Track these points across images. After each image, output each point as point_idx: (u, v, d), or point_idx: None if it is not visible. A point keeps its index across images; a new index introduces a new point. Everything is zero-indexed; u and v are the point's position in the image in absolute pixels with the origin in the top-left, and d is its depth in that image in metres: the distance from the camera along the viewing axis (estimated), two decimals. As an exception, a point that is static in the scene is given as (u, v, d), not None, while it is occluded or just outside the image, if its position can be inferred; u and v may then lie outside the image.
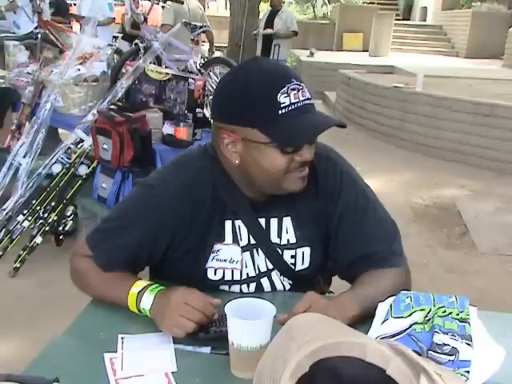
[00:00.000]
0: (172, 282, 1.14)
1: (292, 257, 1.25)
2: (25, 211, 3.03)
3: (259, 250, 1.23)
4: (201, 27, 4.40)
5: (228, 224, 1.21)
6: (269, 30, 7.34)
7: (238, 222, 1.21)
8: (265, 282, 1.26)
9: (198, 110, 2.85)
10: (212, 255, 1.21)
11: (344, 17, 14.40)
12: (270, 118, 1.05)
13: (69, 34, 5.02)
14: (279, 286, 1.27)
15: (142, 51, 3.71)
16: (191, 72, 3.86)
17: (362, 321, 1.08)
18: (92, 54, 3.37)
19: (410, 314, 1.04)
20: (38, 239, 2.96)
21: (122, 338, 1.05)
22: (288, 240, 1.24)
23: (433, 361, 0.92)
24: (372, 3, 16.48)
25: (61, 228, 3.10)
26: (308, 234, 1.24)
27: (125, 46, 5.56)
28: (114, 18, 6.69)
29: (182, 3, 5.06)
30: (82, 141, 3.01)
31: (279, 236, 1.23)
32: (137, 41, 4.08)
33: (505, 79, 8.40)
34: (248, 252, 1.23)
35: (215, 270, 1.22)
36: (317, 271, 1.30)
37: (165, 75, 3.00)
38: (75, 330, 1.11)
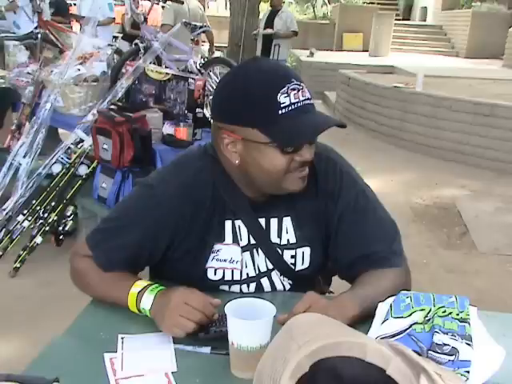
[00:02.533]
0: (172, 281, 1.14)
1: (292, 257, 1.25)
2: (25, 211, 3.03)
3: (259, 250, 1.23)
4: (201, 27, 4.40)
5: (228, 224, 1.21)
6: (269, 30, 7.35)
7: (238, 222, 1.21)
8: (265, 282, 1.26)
9: (198, 109, 2.85)
10: (212, 255, 1.21)
11: (344, 17, 14.40)
12: (270, 118, 1.05)
13: (69, 34, 5.02)
14: (279, 286, 1.27)
15: (142, 51, 3.71)
16: (191, 72, 3.86)
17: (362, 321, 1.08)
18: (92, 54, 3.37)
19: (410, 314, 1.04)
20: (38, 239, 2.96)
21: (122, 338, 1.05)
22: (288, 240, 1.24)
23: (433, 361, 0.92)
24: (372, 3, 16.48)
25: (61, 228, 3.10)
26: (308, 233, 1.24)
27: (125, 46, 5.56)
28: (114, 18, 6.69)
29: (182, 3, 5.06)
30: (82, 141, 3.01)
31: (279, 236, 1.23)
32: (137, 41, 4.08)
33: (505, 79, 8.40)
34: (248, 252, 1.23)
35: (215, 270, 1.22)
36: (317, 271, 1.30)
37: (165, 75, 3.00)
38: (75, 330, 1.11)
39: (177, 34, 4.13)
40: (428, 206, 4.39)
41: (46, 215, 3.01)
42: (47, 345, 1.04)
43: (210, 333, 1.04)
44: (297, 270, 1.26)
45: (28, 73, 3.50)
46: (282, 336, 0.77)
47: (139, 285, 1.12)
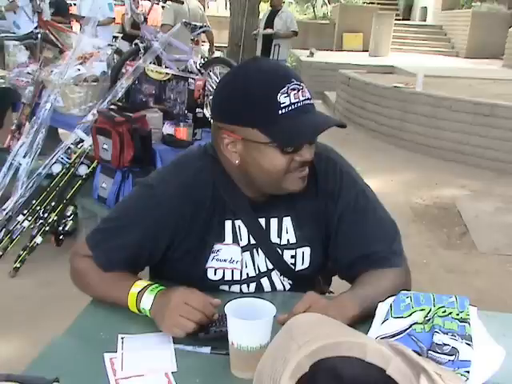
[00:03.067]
0: (172, 281, 1.14)
1: (292, 257, 1.25)
2: (25, 211, 3.03)
3: (259, 250, 1.23)
4: (201, 27, 4.40)
5: (228, 224, 1.21)
6: (269, 30, 7.35)
7: (238, 222, 1.21)
8: (265, 282, 1.26)
9: (198, 109, 2.85)
10: (212, 255, 1.21)
11: (344, 17, 14.40)
12: (269, 118, 1.05)
13: (69, 34, 5.02)
14: (279, 286, 1.27)
15: (142, 51, 3.71)
16: (191, 72, 3.86)
17: (362, 321, 1.08)
18: (92, 54, 3.37)
19: (410, 314, 1.04)
20: (38, 239, 2.96)
21: (122, 338, 1.05)
22: (288, 240, 1.24)
23: (433, 361, 0.92)
24: (372, 3, 16.48)
25: (61, 228, 3.10)
26: (308, 234, 1.24)
27: (125, 46, 5.56)
28: (114, 18, 6.69)
29: (182, 3, 5.06)
30: (82, 141, 3.01)
31: (279, 236, 1.23)
32: (137, 41, 4.08)
33: (505, 79, 8.40)
34: (248, 252, 1.23)
35: (215, 270, 1.22)
36: (317, 271, 1.30)
37: (165, 75, 3.00)
38: (75, 330, 1.11)
39: (177, 34, 4.13)
40: (428, 206, 4.39)
41: (46, 215, 3.01)
42: (47, 345, 1.04)
43: (210, 333, 1.04)
44: (297, 270, 1.26)
45: (28, 73, 3.50)
46: (282, 336, 0.77)
47: (139, 285, 1.12)
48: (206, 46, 7.07)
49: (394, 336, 1.00)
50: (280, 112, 1.04)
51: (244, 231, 1.21)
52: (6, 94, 3.55)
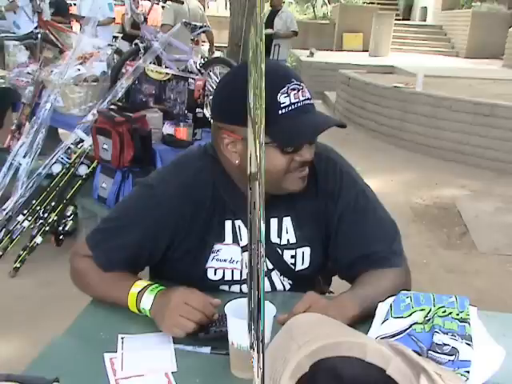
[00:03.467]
0: (172, 281, 1.14)
1: (292, 257, 1.25)
2: (25, 211, 3.03)
3: (259, 250, 1.23)
4: (201, 27, 4.40)
5: (228, 224, 1.21)
6: (269, 30, 7.34)
7: (238, 222, 1.21)
8: (265, 282, 1.26)
9: (198, 109, 2.85)
10: (212, 255, 1.21)
11: (344, 17, 14.40)
12: (269, 118, 1.04)
13: (69, 34, 5.02)
14: (279, 286, 1.27)
15: (142, 51, 3.71)
16: (191, 72, 3.86)
17: (362, 321, 1.08)
18: (92, 54, 3.37)
19: (410, 314, 1.04)
20: (38, 239, 2.96)
21: (122, 338, 1.05)
22: (288, 240, 1.24)
23: (433, 361, 0.92)
24: (372, 3, 16.47)
25: (61, 228, 3.10)
26: (308, 234, 1.24)
27: (125, 46, 5.56)
28: (114, 18, 6.69)
29: (182, 3, 5.06)
30: (82, 141, 3.01)
31: (279, 236, 1.23)
32: (137, 41, 4.08)
33: (505, 79, 8.40)
34: (248, 252, 1.22)
35: (215, 270, 1.22)
36: (317, 271, 1.30)
37: (165, 75, 3.00)
38: (75, 330, 1.11)
39: (177, 34, 4.13)
40: (428, 206, 4.39)
41: (46, 215, 3.01)
42: (47, 345, 1.04)
43: (210, 333, 1.04)
44: (297, 270, 1.26)
45: (28, 73, 3.50)
46: (282, 336, 0.77)
47: (139, 285, 1.12)
48: (206, 46, 7.07)
49: (394, 336, 1.00)
50: (280, 112, 1.04)
51: (244, 231, 1.21)
52: (6, 94, 3.55)
